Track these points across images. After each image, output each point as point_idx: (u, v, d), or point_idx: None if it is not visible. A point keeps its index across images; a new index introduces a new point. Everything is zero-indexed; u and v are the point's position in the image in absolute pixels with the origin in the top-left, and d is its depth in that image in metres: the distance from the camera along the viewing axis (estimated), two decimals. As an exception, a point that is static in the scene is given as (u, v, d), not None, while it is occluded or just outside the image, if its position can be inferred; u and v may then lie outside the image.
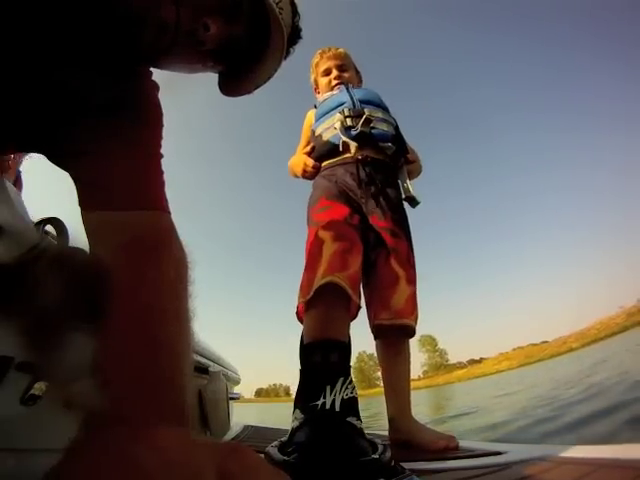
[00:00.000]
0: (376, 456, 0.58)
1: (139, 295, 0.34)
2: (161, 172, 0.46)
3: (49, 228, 0.43)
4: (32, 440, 0.39)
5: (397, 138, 1.14)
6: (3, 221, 0.35)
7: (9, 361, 0.36)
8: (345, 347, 0.77)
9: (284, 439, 0.67)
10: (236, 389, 1.78)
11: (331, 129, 1.11)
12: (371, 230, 1.02)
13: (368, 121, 1.06)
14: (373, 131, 1.07)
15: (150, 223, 0.40)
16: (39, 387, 0.40)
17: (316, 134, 1.17)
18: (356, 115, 1.08)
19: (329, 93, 1.24)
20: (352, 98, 1.15)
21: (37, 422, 0.40)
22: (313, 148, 1.17)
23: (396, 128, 1.16)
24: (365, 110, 1.09)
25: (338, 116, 1.09)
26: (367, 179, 1.05)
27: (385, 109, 1.18)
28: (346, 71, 1.31)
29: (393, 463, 0.60)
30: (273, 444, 0.65)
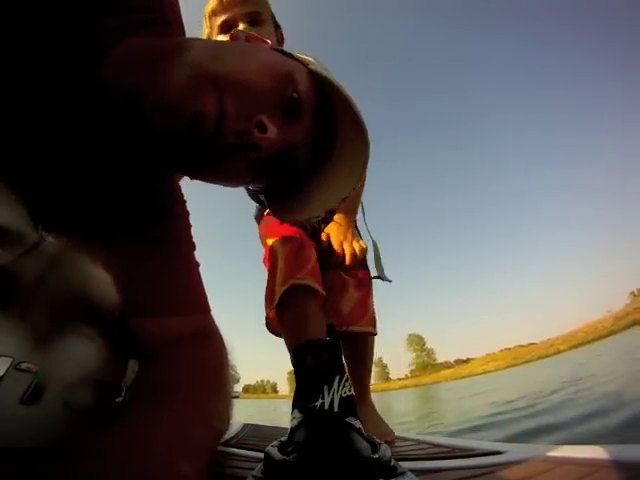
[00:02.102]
0: (376, 456, 0.58)
1: (180, 390, 0.37)
2: (198, 274, 0.47)
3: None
4: (32, 440, 0.38)
5: None
6: (3, 221, 0.34)
7: (9, 361, 0.36)
8: (333, 345, 0.77)
9: (284, 438, 0.67)
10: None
11: None
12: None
13: None
14: None
15: (192, 327, 0.43)
16: (39, 387, 0.39)
17: None
18: None
19: None
20: None
21: (37, 422, 0.39)
22: None
23: None
24: None
25: None
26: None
27: None
28: (260, 24, 0.87)
29: (393, 463, 0.60)
30: (273, 444, 0.65)
